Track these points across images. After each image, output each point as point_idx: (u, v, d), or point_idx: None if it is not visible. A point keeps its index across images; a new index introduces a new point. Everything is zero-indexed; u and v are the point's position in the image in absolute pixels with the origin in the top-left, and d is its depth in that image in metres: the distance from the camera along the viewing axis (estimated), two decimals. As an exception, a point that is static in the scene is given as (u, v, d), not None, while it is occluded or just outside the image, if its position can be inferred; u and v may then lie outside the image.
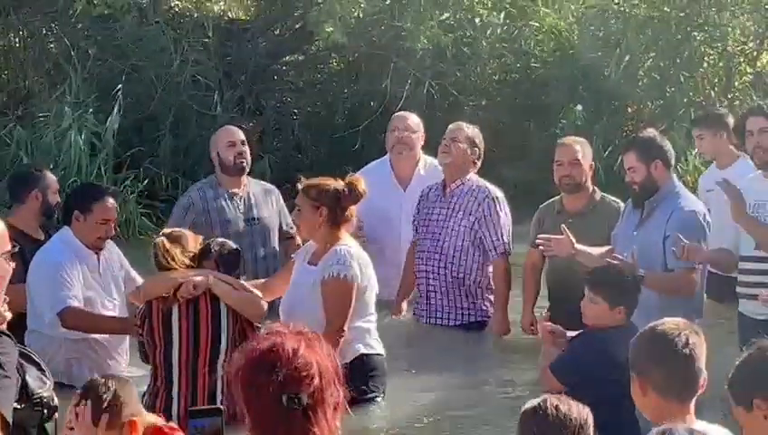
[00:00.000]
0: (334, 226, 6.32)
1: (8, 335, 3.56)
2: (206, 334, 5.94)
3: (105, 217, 6.83)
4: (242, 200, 8.09)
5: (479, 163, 8.23)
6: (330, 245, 6.32)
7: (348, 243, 6.35)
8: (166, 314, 5.95)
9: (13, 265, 3.77)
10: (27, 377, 3.67)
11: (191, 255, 6.07)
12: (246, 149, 8.24)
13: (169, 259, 5.96)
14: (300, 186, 6.46)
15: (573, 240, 7.02)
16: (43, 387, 3.75)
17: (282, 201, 8.36)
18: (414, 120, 8.82)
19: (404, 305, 8.34)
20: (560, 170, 7.75)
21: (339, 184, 6.37)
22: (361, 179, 6.48)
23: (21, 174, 8.02)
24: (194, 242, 6.16)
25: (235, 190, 8.12)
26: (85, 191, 7.49)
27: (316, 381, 3.06)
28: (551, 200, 8.02)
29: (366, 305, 6.39)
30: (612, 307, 5.96)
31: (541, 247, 7.30)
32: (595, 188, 7.85)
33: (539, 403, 3.77)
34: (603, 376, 5.62)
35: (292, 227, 8.08)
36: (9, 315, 3.80)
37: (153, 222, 12.04)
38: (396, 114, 9.11)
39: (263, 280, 7.05)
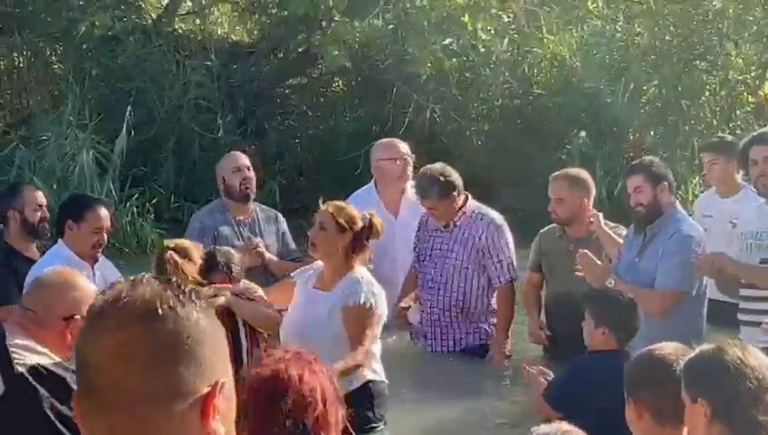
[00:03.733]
0: (351, 253, 6.31)
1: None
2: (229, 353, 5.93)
3: (98, 226, 6.80)
4: (247, 227, 8.07)
5: (462, 193, 8.14)
6: (343, 272, 6.29)
7: (363, 273, 6.35)
8: None
9: None
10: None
11: (198, 267, 6.05)
12: (252, 175, 8.22)
13: (179, 277, 5.91)
14: (328, 206, 6.40)
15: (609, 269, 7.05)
16: None
17: (285, 226, 8.34)
18: (405, 147, 8.81)
19: (406, 314, 8.27)
20: (550, 204, 7.82)
21: (365, 215, 6.39)
22: (379, 220, 6.50)
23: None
24: (197, 252, 6.14)
25: (242, 217, 8.11)
26: (77, 201, 7.45)
27: (320, 406, 3.07)
28: (553, 225, 8.02)
29: (377, 333, 6.40)
30: (596, 326, 5.94)
31: (577, 269, 7.21)
32: (597, 214, 7.84)
33: (549, 431, 3.74)
34: (594, 400, 5.60)
35: (297, 254, 8.09)
36: None
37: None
38: (384, 141, 9.07)
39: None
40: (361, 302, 6.17)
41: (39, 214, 7.28)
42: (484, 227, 8.08)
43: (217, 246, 6.52)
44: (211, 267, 6.10)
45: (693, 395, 3.72)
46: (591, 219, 7.47)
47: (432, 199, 7.97)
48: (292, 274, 6.72)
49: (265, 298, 6.27)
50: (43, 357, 3.88)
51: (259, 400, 3.06)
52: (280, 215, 8.43)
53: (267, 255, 7.95)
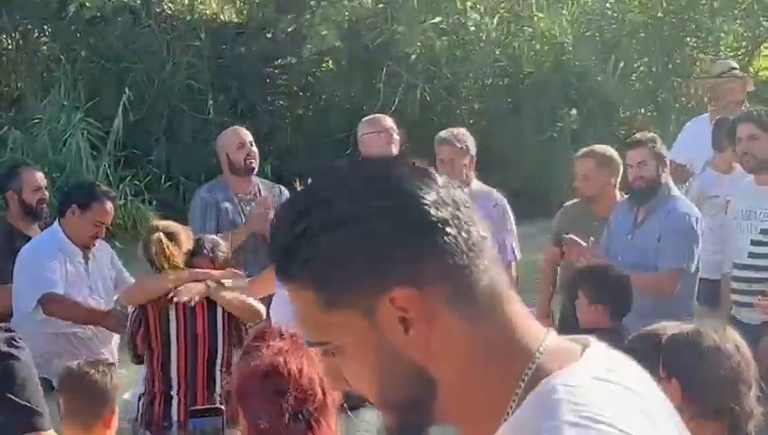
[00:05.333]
0: None
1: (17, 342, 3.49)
2: (204, 336, 5.87)
3: (100, 220, 6.76)
4: (249, 202, 8.04)
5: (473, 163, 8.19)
6: None
7: None
8: (163, 317, 5.88)
9: None
10: None
11: (185, 251, 5.98)
12: (255, 149, 8.17)
13: (164, 259, 5.86)
14: (299, 187, 6.38)
15: (594, 250, 6.98)
16: None
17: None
18: (390, 121, 8.76)
19: None
20: (575, 182, 7.71)
21: None
22: None
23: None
24: (186, 237, 6.06)
25: (243, 192, 8.06)
26: (87, 189, 7.38)
27: (319, 395, 3.05)
28: (577, 200, 7.90)
29: None
30: (590, 304, 5.91)
31: (564, 246, 7.18)
32: (623, 194, 7.75)
33: None
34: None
35: None
36: None
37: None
38: (372, 117, 9.00)
39: (257, 277, 7.02)
40: None
41: (38, 195, 7.25)
42: (491, 205, 8.04)
43: (206, 235, 6.44)
44: (196, 251, 6.04)
45: (669, 373, 3.73)
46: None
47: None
48: None
49: (249, 287, 6.19)
50: None
51: (259, 396, 3.02)
52: (283, 188, 8.36)
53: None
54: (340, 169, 1.69)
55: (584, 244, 7.06)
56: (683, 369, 3.71)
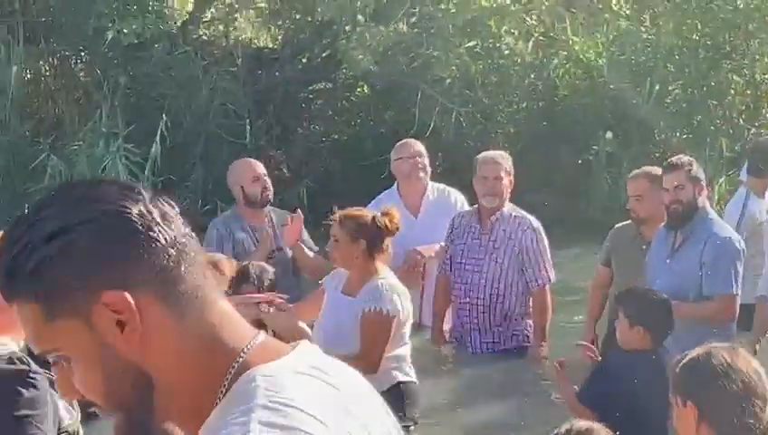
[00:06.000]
0: (371, 258, 6.29)
1: (39, 372, 3.48)
2: None
3: None
4: (263, 232, 8.07)
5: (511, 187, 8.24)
6: (367, 276, 6.28)
7: (385, 275, 6.32)
8: None
9: None
10: (59, 411, 3.57)
11: (228, 280, 6.03)
12: (269, 180, 8.25)
13: None
14: (336, 217, 6.39)
15: None
16: (71, 418, 3.66)
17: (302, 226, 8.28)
18: (420, 146, 8.84)
19: (445, 335, 8.32)
20: (628, 203, 7.70)
21: (377, 216, 6.33)
22: (395, 211, 6.45)
23: None
24: (230, 265, 6.13)
25: (257, 223, 8.11)
26: None
27: None
28: (628, 222, 7.88)
29: (403, 335, 6.37)
30: (631, 326, 5.91)
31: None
32: None
33: (567, 428, 3.75)
34: (626, 399, 5.61)
35: (316, 250, 8.10)
36: None
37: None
38: (401, 142, 9.08)
39: (291, 306, 7.05)
40: (378, 308, 6.16)
41: None
42: (523, 229, 8.08)
43: (252, 262, 6.48)
44: (243, 279, 6.08)
45: (682, 398, 3.75)
46: None
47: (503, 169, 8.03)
48: (321, 281, 6.71)
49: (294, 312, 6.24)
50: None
51: None
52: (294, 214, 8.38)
53: (303, 248, 7.94)
54: (57, 191, 1.84)
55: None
56: (696, 391, 3.73)
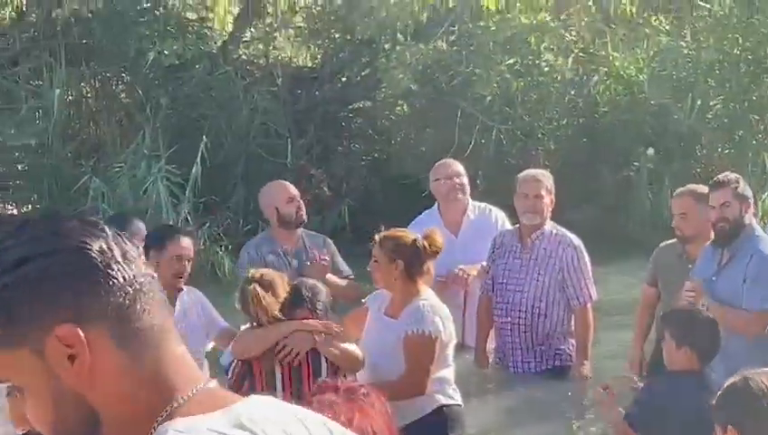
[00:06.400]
0: (410, 279, 6.24)
1: None
2: (309, 388, 5.91)
3: (178, 254, 6.77)
4: (294, 254, 8.08)
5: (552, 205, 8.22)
6: (408, 298, 6.24)
7: (427, 297, 6.27)
8: (269, 372, 5.91)
9: None
10: None
11: (282, 301, 5.99)
12: (302, 202, 8.26)
13: (261, 311, 5.89)
14: (377, 237, 6.37)
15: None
16: None
17: (333, 248, 8.27)
18: (459, 166, 8.82)
19: (488, 357, 8.29)
20: (673, 220, 7.65)
21: (417, 238, 6.28)
22: (439, 233, 6.40)
23: (106, 223, 7.99)
24: (282, 284, 6.08)
25: (289, 245, 8.11)
26: (159, 231, 7.48)
27: None
28: (673, 241, 7.84)
29: (447, 357, 6.31)
30: (678, 347, 5.87)
31: (688, 297, 7.00)
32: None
33: None
34: (672, 421, 5.57)
35: (349, 273, 8.10)
36: None
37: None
38: (439, 163, 9.06)
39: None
40: (420, 331, 6.11)
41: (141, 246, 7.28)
42: (564, 247, 8.06)
43: (304, 280, 6.45)
44: (295, 303, 6.05)
45: (723, 424, 3.74)
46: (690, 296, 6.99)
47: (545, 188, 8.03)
48: (363, 299, 6.68)
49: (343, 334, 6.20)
50: None
51: None
52: (327, 238, 8.38)
53: (331, 279, 7.96)
54: (22, 224, 1.84)
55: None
56: (736, 416, 3.72)
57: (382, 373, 6.09)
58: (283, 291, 5.98)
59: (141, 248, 6.96)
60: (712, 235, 7.35)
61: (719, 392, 3.83)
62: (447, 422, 6.24)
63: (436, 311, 6.17)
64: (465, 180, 8.73)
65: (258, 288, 5.87)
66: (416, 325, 6.09)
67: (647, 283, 8.00)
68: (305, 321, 5.95)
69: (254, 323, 5.94)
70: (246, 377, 5.90)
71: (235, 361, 6.01)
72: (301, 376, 5.87)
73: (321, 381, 3.41)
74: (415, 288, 6.22)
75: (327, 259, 7.91)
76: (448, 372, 6.33)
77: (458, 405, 6.41)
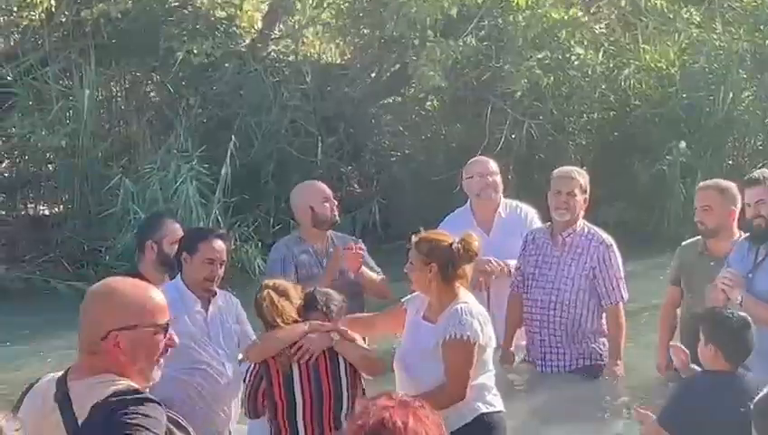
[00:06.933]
0: (446, 283, 6.16)
1: (156, 402, 3.49)
2: (329, 391, 5.87)
3: (210, 257, 6.71)
4: (325, 254, 8.05)
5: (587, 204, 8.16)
6: (446, 301, 6.16)
7: (466, 299, 6.19)
8: (286, 373, 5.89)
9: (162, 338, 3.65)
10: None
11: (297, 306, 6.00)
12: (335, 201, 8.24)
13: (276, 315, 5.88)
14: (413, 239, 6.30)
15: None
16: None
17: (364, 248, 8.23)
18: (493, 164, 8.75)
19: (514, 354, 8.25)
20: (696, 214, 7.61)
21: (453, 241, 6.20)
22: (475, 238, 6.30)
23: (141, 223, 8.05)
24: (296, 292, 6.07)
25: (320, 245, 8.09)
26: (193, 233, 7.44)
27: None
28: (694, 239, 7.81)
29: (486, 362, 6.21)
30: (705, 344, 5.79)
31: (723, 284, 6.94)
32: (741, 233, 7.63)
33: None
34: (703, 423, 5.51)
35: (378, 270, 8.08)
36: (158, 377, 3.74)
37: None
38: (473, 160, 9.00)
39: (366, 314, 7.00)
40: (458, 335, 6.03)
41: (176, 247, 7.26)
42: (596, 245, 8.00)
43: (318, 288, 6.42)
44: (310, 306, 6.03)
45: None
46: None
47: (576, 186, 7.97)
48: (403, 299, 6.59)
49: (362, 342, 6.15)
50: None
51: None
52: (358, 240, 8.36)
53: (366, 272, 7.93)
54: None
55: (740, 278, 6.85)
56: None
57: (419, 377, 6.04)
58: (296, 298, 5.96)
59: (175, 248, 6.99)
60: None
61: (760, 398, 3.75)
62: (487, 431, 6.10)
63: (475, 315, 6.08)
64: (499, 178, 8.67)
65: (273, 293, 5.86)
66: (453, 330, 6.00)
67: (670, 282, 7.95)
68: (320, 323, 5.92)
69: (269, 329, 5.92)
70: (263, 377, 5.88)
71: (252, 365, 5.99)
72: (319, 376, 5.85)
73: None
74: (452, 291, 6.12)
75: (363, 248, 7.88)
76: (487, 378, 6.22)
77: (498, 412, 6.29)
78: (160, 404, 3.47)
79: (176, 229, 7.38)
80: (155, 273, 7.22)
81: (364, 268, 7.91)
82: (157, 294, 3.66)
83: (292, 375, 5.85)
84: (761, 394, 3.92)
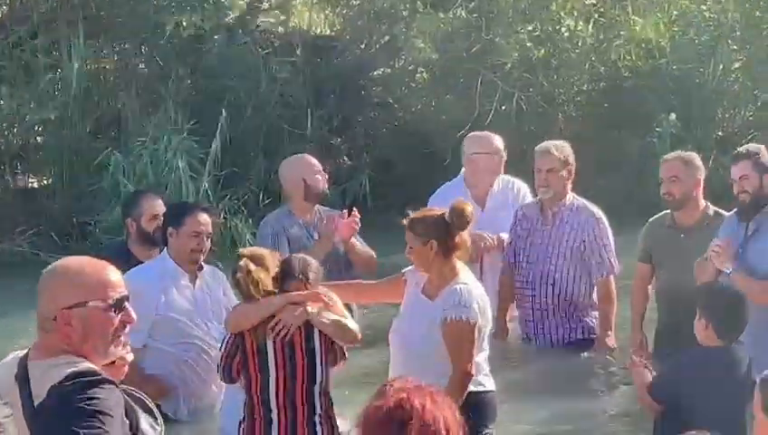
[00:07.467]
0: (447, 257, 6.15)
1: (113, 383, 3.48)
2: (302, 366, 5.83)
3: (196, 230, 6.74)
4: (314, 227, 8.05)
5: (572, 177, 8.15)
6: (447, 278, 6.14)
7: (466, 280, 6.16)
8: (261, 347, 5.86)
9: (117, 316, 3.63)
10: (141, 425, 3.57)
11: (273, 275, 5.94)
12: (325, 174, 8.25)
13: (253, 286, 5.83)
14: (405, 222, 6.27)
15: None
16: (155, 433, 3.64)
17: None
18: (499, 141, 8.69)
19: (508, 326, 8.28)
20: (662, 187, 7.64)
21: (444, 213, 6.19)
22: (468, 204, 6.28)
23: (122, 201, 8.12)
24: (273, 260, 6.02)
25: (309, 217, 8.09)
26: (178, 208, 7.48)
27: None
28: (662, 214, 7.86)
29: (481, 342, 6.24)
30: (699, 319, 5.82)
31: (713, 254, 6.98)
32: (708, 203, 7.69)
33: None
34: (694, 396, 5.54)
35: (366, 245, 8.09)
36: (131, 357, 3.72)
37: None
38: (479, 135, 8.93)
39: (361, 282, 7.00)
40: (459, 317, 6.02)
41: (155, 223, 7.28)
42: (585, 218, 8.02)
43: (294, 254, 6.38)
44: (287, 275, 5.98)
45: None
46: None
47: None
48: (403, 270, 6.56)
49: (341, 306, 6.11)
50: None
51: (385, 430, 3.07)
52: (341, 212, 8.32)
53: (357, 243, 7.94)
54: None
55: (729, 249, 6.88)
56: None
57: (415, 357, 6.05)
58: (273, 265, 5.91)
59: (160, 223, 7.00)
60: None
61: (759, 380, 3.76)
62: (474, 409, 6.05)
63: (475, 296, 6.07)
64: (504, 155, 8.64)
65: (250, 263, 5.82)
66: (454, 311, 5.98)
67: (639, 260, 7.98)
68: (298, 293, 5.87)
69: (247, 299, 5.89)
70: (238, 351, 5.86)
71: (229, 335, 5.95)
72: (293, 351, 5.82)
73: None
74: (452, 267, 6.11)
75: (359, 217, 7.87)
76: (482, 359, 6.23)
77: (489, 392, 6.27)
78: (117, 385, 3.45)
79: (154, 205, 7.41)
80: (141, 248, 7.27)
81: (354, 240, 7.91)
82: (109, 271, 3.62)
83: (266, 349, 5.82)
84: None
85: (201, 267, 6.85)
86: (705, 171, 7.72)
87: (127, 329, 3.62)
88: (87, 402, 3.33)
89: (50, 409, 3.37)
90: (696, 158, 7.75)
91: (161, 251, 6.95)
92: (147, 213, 7.35)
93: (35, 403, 3.42)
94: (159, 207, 7.42)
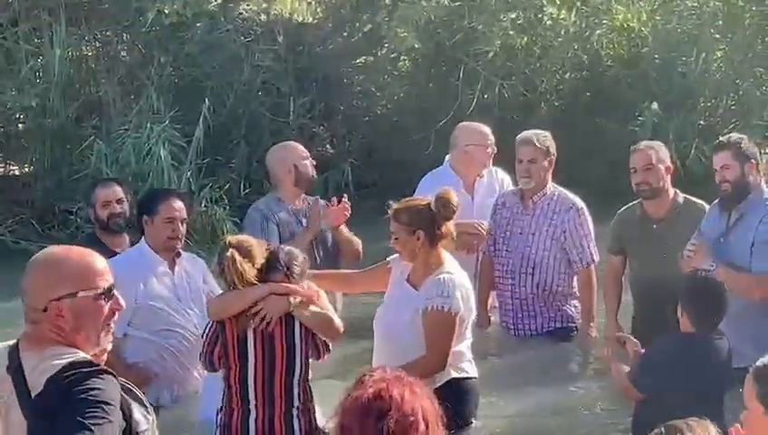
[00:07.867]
0: (432, 246, 6.15)
1: (111, 373, 3.48)
2: (282, 357, 5.81)
3: (170, 216, 6.75)
4: (302, 214, 8.06)
5: (552, 166, 8.16)
6: (432, 267, 6.14)
7: (450, 269, 6.17)
8: (241, 337, 5.84)
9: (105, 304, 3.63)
10: (135, 415, 3.57)
11: (258, 267, 5.90)
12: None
13: (237, 277, 5.80)
14: (390, 211, 6.26)
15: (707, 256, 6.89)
16: (146, 425, 3.64)
17: None
18: (489, 132, 8.68)
19: (489, 317, 8.29)
20: (635, 177, 7.64)
21: (429, 202, 6.18)
22: (452, 193, 6.28)
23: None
24: (260, 251, 5.98)
25: (297, 204, 8.09)
26: (151, 195, 7.50)
27: (422, 426, 3.11)
28: (630, 205, 7.89)
29: (464, 331, 6.25)
30: (681, 309, 5.85)
31: (687, 254, 7.01)
32: (677, 191, 7.73)
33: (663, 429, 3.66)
34: (674, 383, 5.56)
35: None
36: (110, 347, 3.71)
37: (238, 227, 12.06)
38: (472, 127, 8.91)
39: (346, 272, 7.01)
40: (441, 307, 6.03)
41: (107, 210, 7.38)
42: (566, 208, 8.03)
43: (281, 246, 6.36)
44: (271, 267, 5.95)
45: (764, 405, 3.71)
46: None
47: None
48: (388, 259, 6.56)
49: (325, 300, 6.09)
50: None
51: (363, 420, 3.08)
52: (320, 200, 8.32)
53: (345, 231, 7.94)
54: None
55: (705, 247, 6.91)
56: None
57: (397, 346, 6.06)
58: (260, 257, 5.87)
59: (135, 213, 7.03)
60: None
61: (755, 373, 3.77)
62: (457, 395, 6.06)
63: (458, 286, 6.08)
64: (495, 148, 8.65)
65: (236, 254, 5.78)
66: (436, 300, 6.00)
67: (611, 252, 7.99)
68: (281, 284, 5.84)
69: (231, 289, 5.86)
70: (219, 340, 5.85)
71: (210, 322, 5.93)
72: (273, 341, 5.81)
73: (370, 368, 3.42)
74: (438, 256, 6.12)
75: (349, 204, 7.86)
76: (464, 346, 6.25)
77: (471, 379, 6.30)
78: (115, 375, 3.46)
79: (107, 193, 7.51)
80: (106, 236, 7.34)
81: (342, 227, 7.91)
82: (96, 259, 3.63)
83: (246, 339, 5.81)
84: (762, 360, 3.90)
85: (179, 254, 6.86)
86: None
87: (116, 316, 3.63)
88: (89, 393, 3.33)
89: (51, 401, 3.37)
90: (662, 145, 7.81)
91: (131, 239, 7.00)
92: (99, 201, 7.46)
93: (32, 394, 3.42)
94: (112, 194, 7.49)
